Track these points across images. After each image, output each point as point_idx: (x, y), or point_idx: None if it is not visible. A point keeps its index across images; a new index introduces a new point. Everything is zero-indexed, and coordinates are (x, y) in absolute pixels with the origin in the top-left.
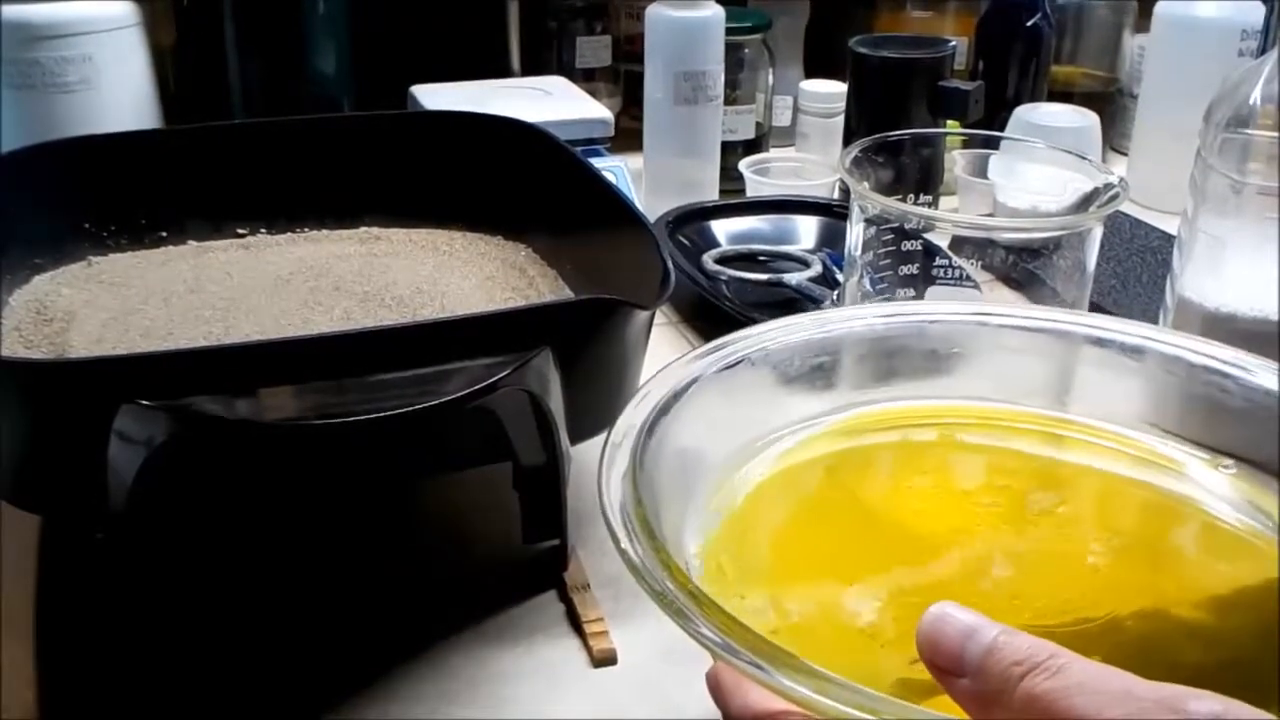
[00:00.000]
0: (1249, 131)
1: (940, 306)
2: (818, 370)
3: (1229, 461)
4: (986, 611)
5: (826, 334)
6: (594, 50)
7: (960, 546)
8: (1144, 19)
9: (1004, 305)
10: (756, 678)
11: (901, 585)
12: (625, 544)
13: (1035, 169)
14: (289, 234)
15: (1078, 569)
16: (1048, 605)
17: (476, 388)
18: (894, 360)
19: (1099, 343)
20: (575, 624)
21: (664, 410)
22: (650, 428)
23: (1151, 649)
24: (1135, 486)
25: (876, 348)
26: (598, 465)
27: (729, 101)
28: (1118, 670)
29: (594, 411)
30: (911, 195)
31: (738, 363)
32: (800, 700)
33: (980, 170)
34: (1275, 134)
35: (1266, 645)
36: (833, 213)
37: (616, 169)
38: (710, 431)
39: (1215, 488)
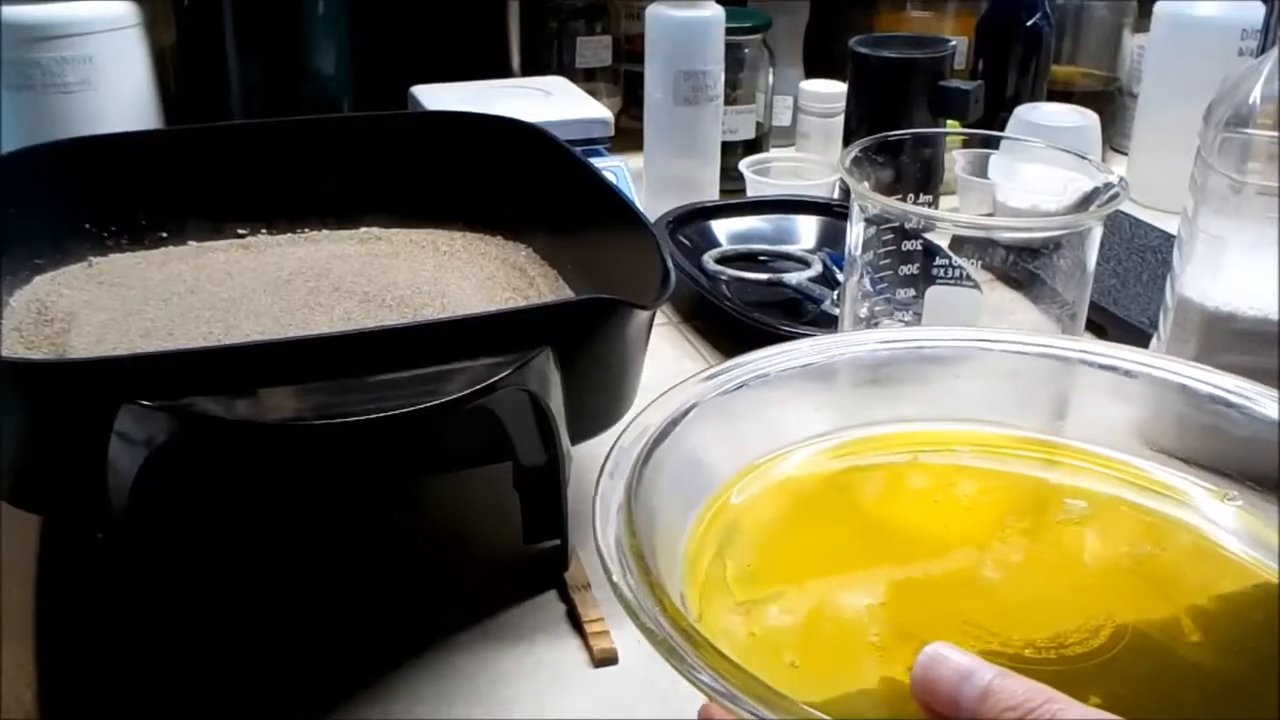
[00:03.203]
0: (1249, 131)
1: (936, 333)
2: (815, 394)
3: (1234, 493)
4: (985, 640)
5: (828, 359)
6: (594, 50)
7: (954, 570)
8: (1144, 18)
9: (1002, 331)
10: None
11: (897, 601)
12: (618, 578)
13: (1035, 169)
14: (289, 234)
15: (1077, 598)
16: (1049, 635)
17: (477, 388)
18: (890, 385)
19: (1100, 367)
20: (576, 624)
21: (660, 438)
22: (646, 457)
23: (1155, 687)
24: (1140, 514)
25: (873, 374)
26: (592, 500)
27: (729, 101)
28: (1110, 716)
29: (594, 411)
30: (911, 195)
31: (737, 388)
32: None
33: (980, 170)
34: (1275, 133)
35: (1266, 682)
36: (833, 212)
37: (617, 169)
38: (708, 456)
39: (1220, 519)
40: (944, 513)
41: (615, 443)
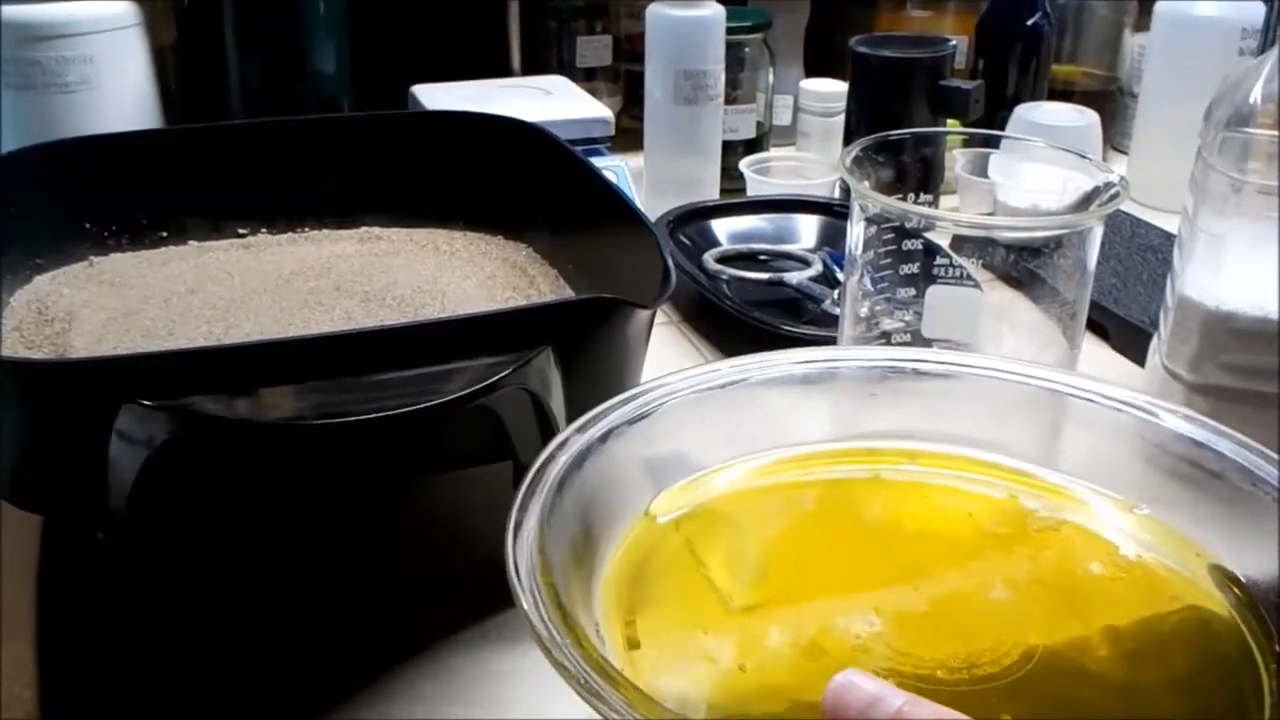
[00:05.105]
0: (1249, 130)
1: (851, 352)
2: (730, 415)
3: (1141, 504)
4: (900, 658)
5: (744, 376)
6: (594, 50)
7: (868, 593)
8: (1144, 17)
9: (912, 350)
10: None
11: (809, 626)
12: (528, 605)
13: (1036, 168)
14: (289, 234)
15: (988, 616)
16: (961, 656)
17: (477, 387)
18: (809, 403)
19: (1011, 383)
20: None
21: (578, 462)
22: (561, 483)
23: (1065, 703)
24: (1052, 527)
25: (782, 394)
26: (505, 527)
27: (729, 101)
28: None
29: None
30: (912, 194)
31: (656, 410)
32: None
33: (981, 169)
34: (1275, 133)
35: (1175, 695)
36: (833, 212)
37: (617, 168)
38: (627, 479)
39: (1128, 529)
40: (863, 532)
41: (530, 467)
